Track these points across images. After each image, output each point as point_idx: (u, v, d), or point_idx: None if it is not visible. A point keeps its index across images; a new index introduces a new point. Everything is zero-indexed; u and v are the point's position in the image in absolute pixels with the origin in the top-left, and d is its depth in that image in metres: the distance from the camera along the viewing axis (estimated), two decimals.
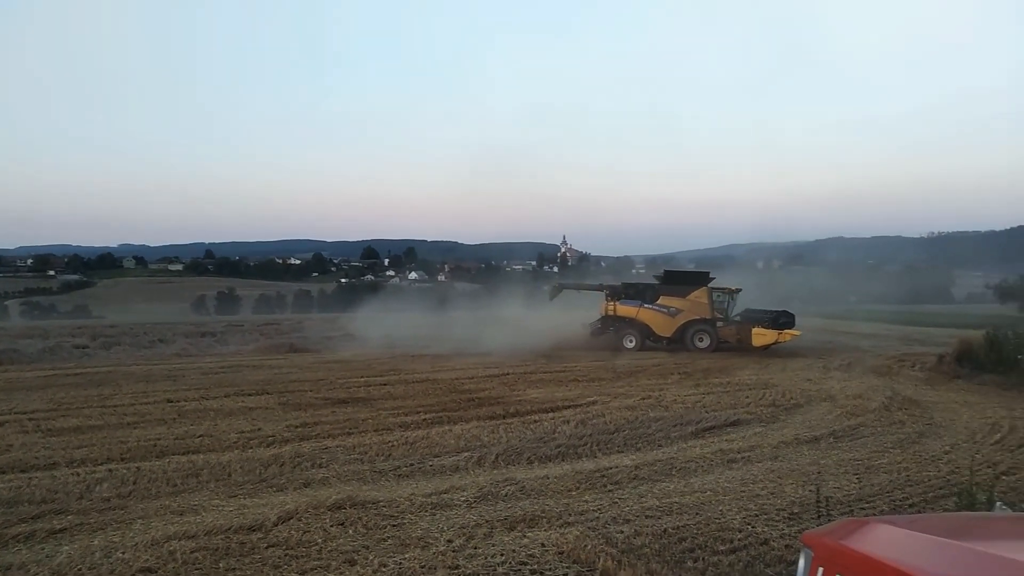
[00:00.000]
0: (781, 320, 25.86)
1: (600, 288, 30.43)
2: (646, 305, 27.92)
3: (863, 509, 7.08)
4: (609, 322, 28.37)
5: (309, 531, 6.35)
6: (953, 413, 12.60)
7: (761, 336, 25.58)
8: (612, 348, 27.08)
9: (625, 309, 28.16)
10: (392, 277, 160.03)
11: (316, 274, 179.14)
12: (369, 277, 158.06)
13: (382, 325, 35.80)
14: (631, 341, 27.66)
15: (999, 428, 11.13)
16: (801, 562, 1.56)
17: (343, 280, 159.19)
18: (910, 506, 7.22)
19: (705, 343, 26.90)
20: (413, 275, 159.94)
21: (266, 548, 5.98)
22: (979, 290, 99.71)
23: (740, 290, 28.38)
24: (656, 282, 29.47)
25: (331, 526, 6.48)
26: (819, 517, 6.51)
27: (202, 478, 8.49)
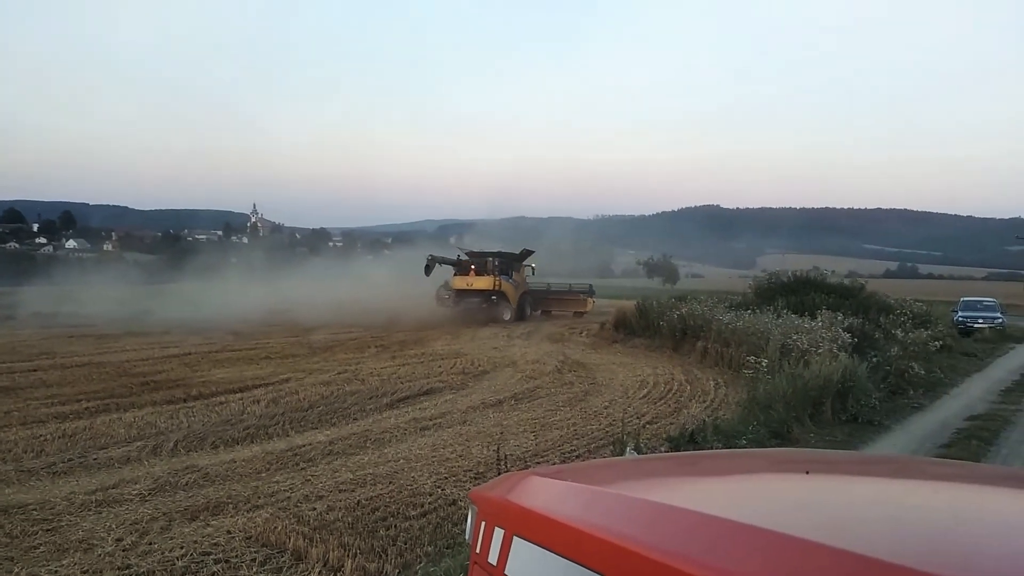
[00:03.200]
0: (593, 292, 32.92)
1: (457, 262, 29.64)
2: (509, 279, 28.85)
3: (538, 462, 7.85)
4: (483, 295, 27.99)
5: None
6: (612, 373, 14.51)
7: (591, 303, 31.79)
8: (474, 322, 26.65)
9: (504, 284, 28.40)
10: (44, 245, 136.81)
11: None
12: (13, 245, 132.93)
13: (32, 301, 30.82)
14: (508, 313, 28.11)
15: (646, 384, 13.08)
16: (469, 518, 1.67)
17: None
18: (577, 456, 8.17)
19: (530, 311, 30.42)
20: (72, 243, 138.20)
21: None
22: (632, 266, 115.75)
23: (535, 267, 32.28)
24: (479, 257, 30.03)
25: None
26: (499, 474, 7.07)
27: None
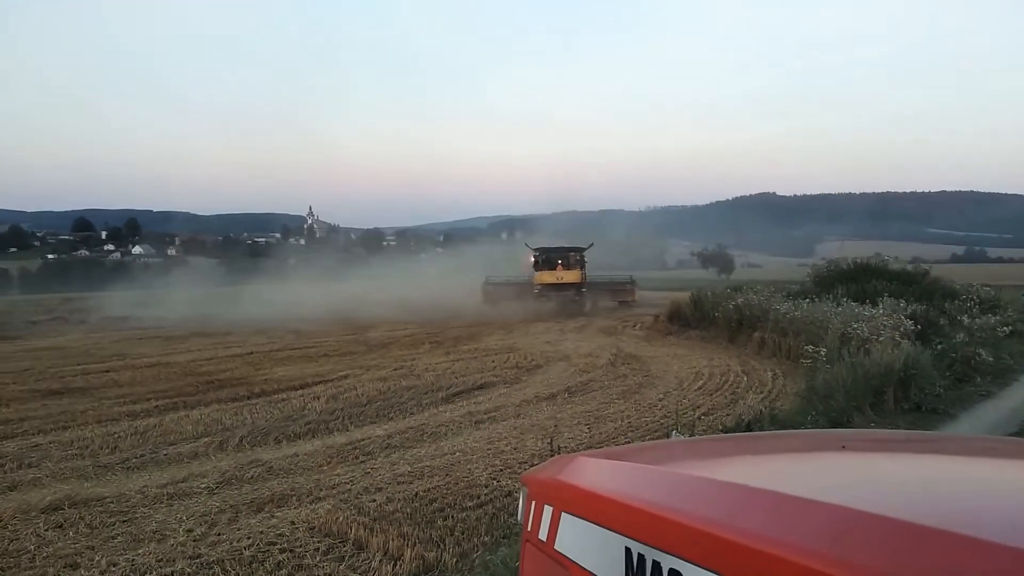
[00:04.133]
0: (635, 283, 33.81)
1: (543, 259, 30.80)
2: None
3: None
4: (575, 288, 29.29)
5: (18, 539, 5.60)
6: (666, 365, 14.38)
7: (636, 293, 32.86)
8: (568, 313, 27.53)
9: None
10: (112, 252, 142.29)
11: (15, 249, 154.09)
12: (84, 252, 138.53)
13: (103, 306, 32.13)
14: (589, 304, 29.46)
15: (701, 376, 12.93)
16: (520, 500, 1.74)
17: (50, 256, 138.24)
18: None
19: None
20: (138, 249, 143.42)
21: None
22: (686, 257, 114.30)
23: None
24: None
25: (46, 530, 5.76)
26: None
27: None
